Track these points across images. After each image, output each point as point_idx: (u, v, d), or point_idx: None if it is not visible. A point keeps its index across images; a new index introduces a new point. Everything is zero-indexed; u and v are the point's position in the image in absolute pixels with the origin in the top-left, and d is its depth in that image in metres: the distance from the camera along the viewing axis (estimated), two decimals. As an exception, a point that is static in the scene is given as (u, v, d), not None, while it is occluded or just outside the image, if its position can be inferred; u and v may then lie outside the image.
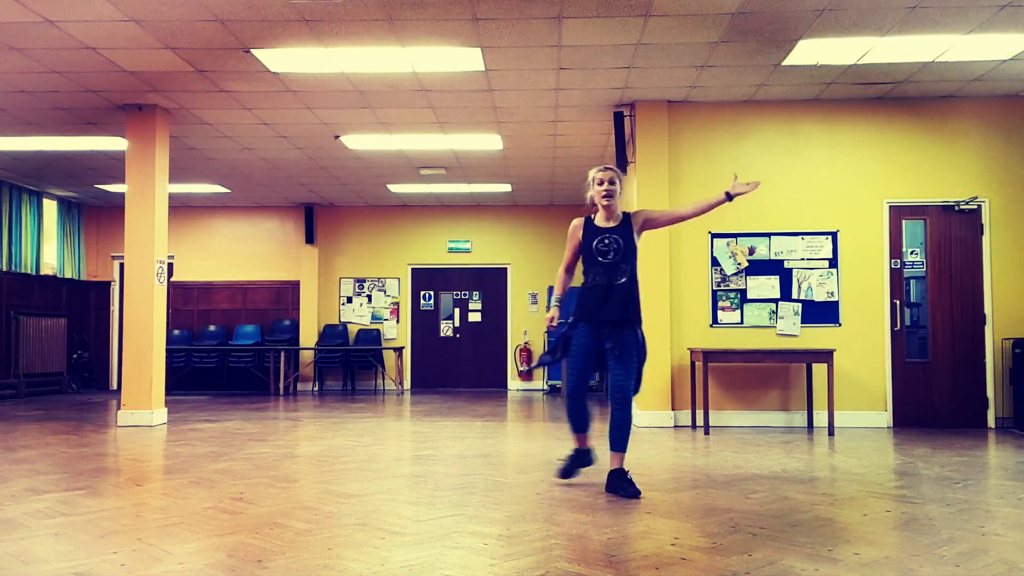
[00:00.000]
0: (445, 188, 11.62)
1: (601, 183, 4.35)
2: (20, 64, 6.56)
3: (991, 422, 7.40)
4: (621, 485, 4.27)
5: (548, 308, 4.61)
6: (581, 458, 4.58)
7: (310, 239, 12.87)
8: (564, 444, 6.22)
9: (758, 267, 7.59)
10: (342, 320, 13.08)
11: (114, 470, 5.16)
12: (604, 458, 4.65)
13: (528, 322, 12.98)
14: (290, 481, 4.70)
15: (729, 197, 4.39)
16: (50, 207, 12.38)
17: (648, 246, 7.55)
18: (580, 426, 4.50)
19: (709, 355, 7.03)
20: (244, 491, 4.40)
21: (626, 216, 4.44)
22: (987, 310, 7.45)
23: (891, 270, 7.56)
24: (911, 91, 7.42)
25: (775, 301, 7.56)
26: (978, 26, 5.88)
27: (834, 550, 3.16)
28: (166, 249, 8.02)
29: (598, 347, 4.35)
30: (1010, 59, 6.56)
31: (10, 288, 11.29)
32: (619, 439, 4.33)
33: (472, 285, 13.24)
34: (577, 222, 4.51)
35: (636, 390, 4.39)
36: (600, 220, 4.44)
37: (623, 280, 4.33)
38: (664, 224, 4.62)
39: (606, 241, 4.35)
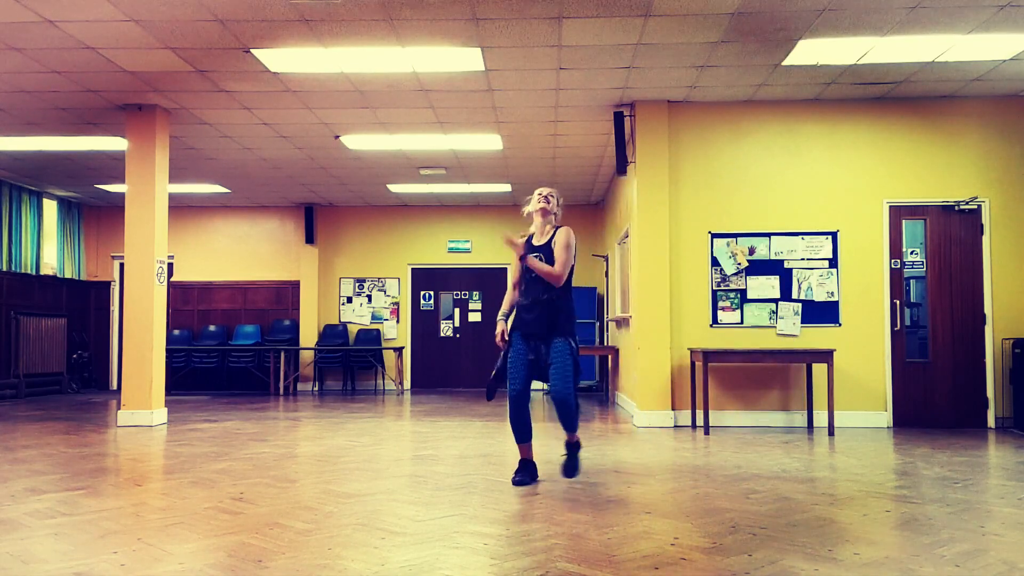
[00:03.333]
0: (445, 188, 11.62)
1: (540, 193, 4.69)
2: (20, 64, 6.56)
3: (991, 422, 7.40)
4: (568, 459, 4.65)
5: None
6: (527, 469, 4.68)
7: (310, 239, 12.87)
8: (564, 444, 6.21)
9: (758, 267, 7.59)
10: (342, 320, 13.08)
11: (114, 470, 5.16)
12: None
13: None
14: (290, 481, 4.70)
15: (522, 259, 4.55)
16: (50, 207, 12.38)
17: (648, 246, 7.56)
18: (521, 436, 4.61)
19: (709, 355, 7.03)
20: (244, 491, 4.40)
21: (555, 235, 4.63)
22: (987, 310, 7.45)
23: (891, 270, 7.56)
24: (911, 91, 7.42)
25: (775, 301, 7.56)
26: (978, 26, 5.88)
27: (834, 550, 3.16)
28: (166, 249, 8.02)
29: (531, 357, 4.52)
30: (1010, 59, 6.56)
31: (10, 288, 11.29)
32: (568, 424, 4.58)
33: (472, 285, 13.25)
34: (521, 240, 4.63)
35: (574, 388, 4.51)
36: (536, 238, 4.69)
37: (545, 296, 4.50)
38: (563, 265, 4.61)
39: (536, 256, 4.56)
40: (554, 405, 4.52)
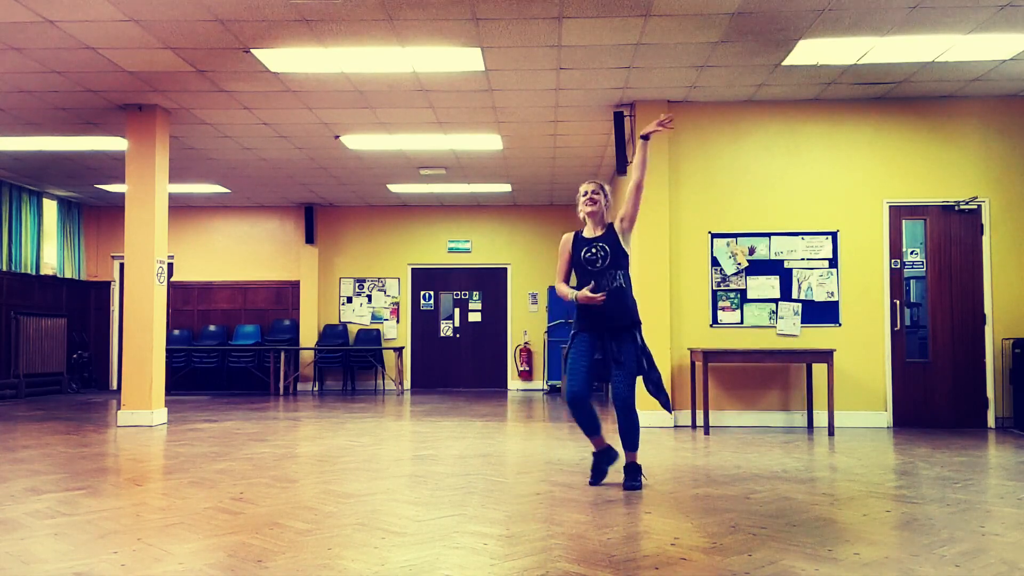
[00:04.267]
0: (445, 188, 11.62)
1: (585, 193, 4.50)
2: (20, 64, 6.56)
3: (991, 422, 7.40)
4: (628, 478, 4.42)
5: (575, 299, 4.55)
6: (605, 456, 4.60)
7: (310, 239, 12.87)
8: (564, 444, 6.22)
9: (758, 267, 7.59)
10: (342, 320, 13.08)
11: (114, 470, 5.16)
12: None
13: (528, 322, 12.98)
14: (290, 481, 4.70)
15: (645, 137, 4.51)
16: (50, 207, 12.38)
17: (648, 246, 7.56)
18: (592, 430, 4.50)
19: (709, 355, 7.03)
20: (244, 491, 4.40)
21: (610, 225, 4.54)
22: (987, 310, 7.45)
23: (891, 270, 7.56)
24: (911, 91, 7.42)
25: (775, 301, 7.56)
26: (978, 26, 5.88)
27: (834, 550, 3.16)
28: (166, 249, 8.02)
29: (597, 355, 4.42)
30: (1010, 59, 6.56)
31: (10, 288, 11.29)
32: (630, 441, 4.43)
33: (472, 285, 13.25)
34: (567, 236, 4.60)
35: (658, 388, 4.41)
36: (587, 231, 4.56)
37: (616, 284, 4.38)
38: (633, 205, 4.50)
39: (593, 250, 4.45)
40: (616, 409, 4.39)
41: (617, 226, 4.49)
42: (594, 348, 4.41)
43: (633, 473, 4.44)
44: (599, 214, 4.51)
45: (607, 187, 4.59)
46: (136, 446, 6.29)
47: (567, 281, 4.61)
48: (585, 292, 4.33)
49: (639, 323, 4.48)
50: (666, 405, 4.48)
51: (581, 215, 4.56)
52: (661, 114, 4.44)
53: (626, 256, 4.46)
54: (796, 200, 7.65)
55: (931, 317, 7.52)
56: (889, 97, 7.59)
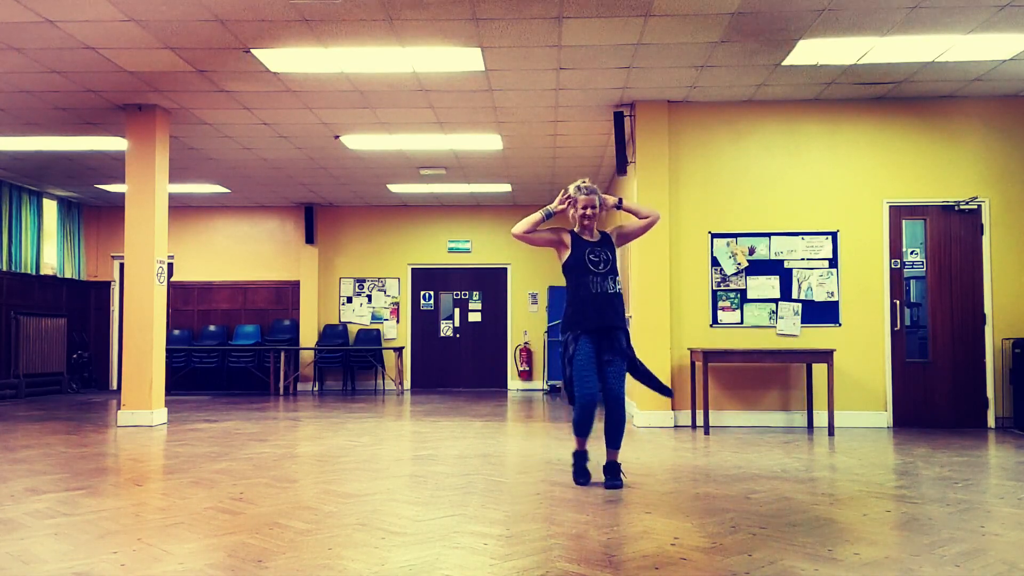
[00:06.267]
0: (445, 188, 11.62)
1: (585, 207, 4.56)
2: (20, 64, 6.56)
3: (991, 422, 7.40)
4: (610, 477, 4.52)
5: (549, 210, 4.62)
6: (585, 457, 4.72)
7: (310, 239, 12.87)
8: (564, 444, 6.22)
9: (758, 267, 7.59)
10: (342, 320, 13.08)
11: (114, 470, 5.16)
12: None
13: (528, 322, 12.98)
14: (290, 481, 4.70)
15: (618, 206, 4.70)
16: (50, 207, 12.38)
17: (648, 246, 7.56)
18: (587, 431, 4.62)
19: (709, 355, 7.03)
20: (244, 491, 4.40)
21: (604, 234, 4.67)
22: (987, 310, 7.45)
23: (891, 270, 7.56)
24: (911, 91, 7.42)
25: (775, 301, 7.56)
26: (978, 26, 5.88)
27: (834, 550, 3.16)
28: (166, 249, 8.02)
29: (598, 356, 4.52)
30: (1010, 59, 6.56)
31: (10, 288, 11.29)
32: (615, 438, 4.57)
33: (472, 285, 13.25)
34: (566, 230, 4.66)
35: (661, 388, 4.71)
36: (584, 235, 4.64)
37: (617, 289, 4.54)
38: (636, 235, 4.81)
39: (597, 251, 4.55)
40: (607, 407, 4.50)
41: (615, 240, 4.67)
42: (595, 349, 4.50)
43: (614, 471, 4.54)
44: (592, 228, 4.64)
45: (601, 198, 4.63)
46: (136, 446, 6.29)
47: (533, 233, 4.60)
48: (557, 201, 4.59)
49: (627, 328, 4.68)
50: (665, 389, 4.72)
51: (573, 220, 4.64)
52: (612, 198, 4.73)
53: (617, 266, 4.66)
54: (796, 200, 7.65)
55: (931, 317, 7.52)
56: (889, 97, 7.59)
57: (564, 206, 4.59)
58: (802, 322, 7.52)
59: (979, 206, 7.52)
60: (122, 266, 12.22)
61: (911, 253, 7.60)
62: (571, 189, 4.61)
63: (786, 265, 7.58)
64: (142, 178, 7.80)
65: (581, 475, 4.65)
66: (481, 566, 2.94)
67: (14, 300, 11.36)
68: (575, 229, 4.64)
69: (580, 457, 4.69)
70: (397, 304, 13.09)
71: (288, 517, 3.75)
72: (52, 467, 5.26)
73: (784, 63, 6.63)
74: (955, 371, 7.46)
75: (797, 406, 7.51)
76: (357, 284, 13.14)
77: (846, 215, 7.59)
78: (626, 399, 9.21)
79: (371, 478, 4.79)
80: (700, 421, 7.43)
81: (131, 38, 6.02)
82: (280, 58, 6.40)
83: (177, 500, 4.16)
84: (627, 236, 4.74)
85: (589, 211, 4.54)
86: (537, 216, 4.59)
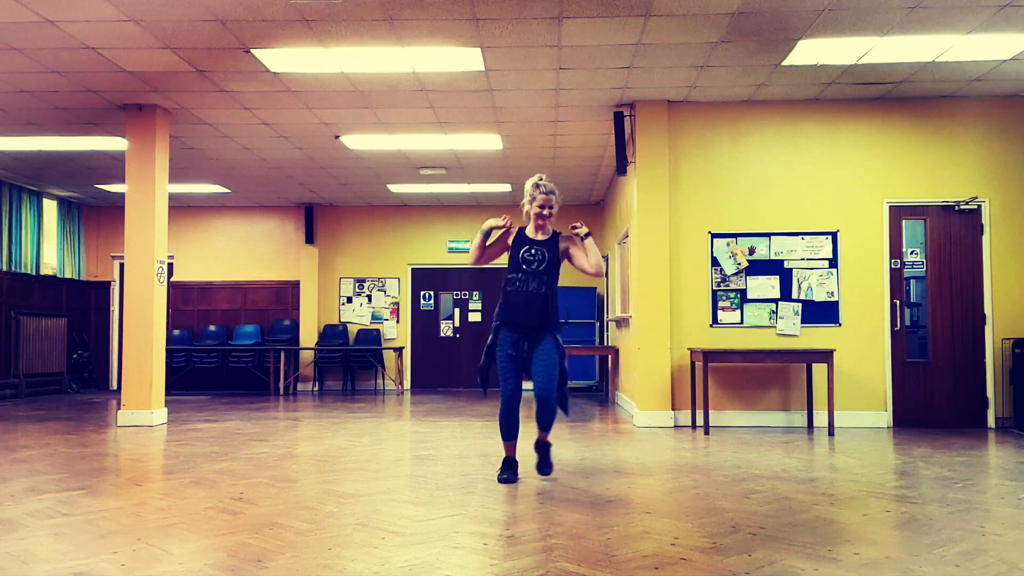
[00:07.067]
0: (445, 188, 11.62)
1: (542, 206, 4.59)
2: (20, 64, 6.56)
3: (991, 422, 7.40)
4: (541, 458, 4.70)
5: (487, 233, 4.62)
6: (514, 466, 4.75)
7: (310, 239, 12.87)
8: (564, 444, 6.22)
9: (758, 267, 7.59)
10: (342, 320, 13.08)
11: (114, 470, 5.16)
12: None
13: (528, 322, 12.96)
14: (290, 481, 4.70)
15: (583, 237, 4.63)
16: (50, 207, 12.38)
17: (648, 246, 7.56)
18: (510, 434, 4.63)
19: (709, 355, 7.03)
20: (244, 491, 4.40)
21: (555, 234, 4.70)
22: (987, 310, 7.45)
23: (891, 270, 7.56)
24: (911, 91, 7.42)
25: (775, 301, 7.56)
26: (978, 26, 5.88)
27: (834, 550, 3.16)
28: (166, 249, 8.02)
29: (520, 352, 4.55)
30: (1010, 59, 6.56)
31: (10, 288, 11.29)
32: (545, 423, 4.64)
33: (472, 285, 13.25)
34: (513, 231, 4.71)
35: (563, 404, 4.63)
36: (531, 231, 4.70)
37: (542, 290, 4.55)
38: (576, 266, 4.70)
39: (533, 251, 4.61)
40: (536, 402, 4.55)
41: (561, 245, 4.65)
42: (514, 345, 4.53)
43: (544, 449, 4.71)
44: (546, 227, 4.68)
45: (557, 193, 4.66)
46: (136, 446, 6.29)
47: (482, 251, 4.71)
48: (493, 221, 4.60)
49: (558, 329, 4.62)
50: (564, 406, 4.65)
51: (527, 217, 4.67)
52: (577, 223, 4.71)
53: (558, 267, 4.64)
54: (796, 200, 7.65)
55: (931, 317, 7.52)
56: (889, 97, 7.59)
57: (504, 224, 4.60)
58: (802, 322, 7.52)
59: (979, 206, 7.52)
60: (122, 266, 12.23)
61: (911, 253, 7.60)
62: (528, 185, 4.65)
63: (786, 265, 7.58)
64: (142, 178, 7.80)
65: (505, 471, 4.66)
66: (481, 566, 2.94)
67: (14, 300, 11.36)
68: (528, 226, 4.69)
69: (506, 463, 4.70)
70: (397, 304, 13.10)
71: (288, 517, 3.75)
72: (52, 467, 5.26)
73: (784, 63, 6.63)
74: (955, 371, 7.46)
75: (797, 406, 7.51)
76: (357, 284, 13.14)
77: (846, 215, 7.59)
78: (625, 398, 9.23)
79: (371, 478, 4.79)
80: (700, 421, 7.43)
81: (131, 38, 6.02)
82: (280, 58, 6.40)
83: (177, 500, 4.16)
84: (570, 259, 4.67)
85: (546, 211, 4.58)
86: (477, 239, 4.65)
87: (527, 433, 5.20)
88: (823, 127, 7.69)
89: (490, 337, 4.64)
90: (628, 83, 7.10)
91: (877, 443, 6.38)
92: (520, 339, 4.53)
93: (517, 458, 4.80)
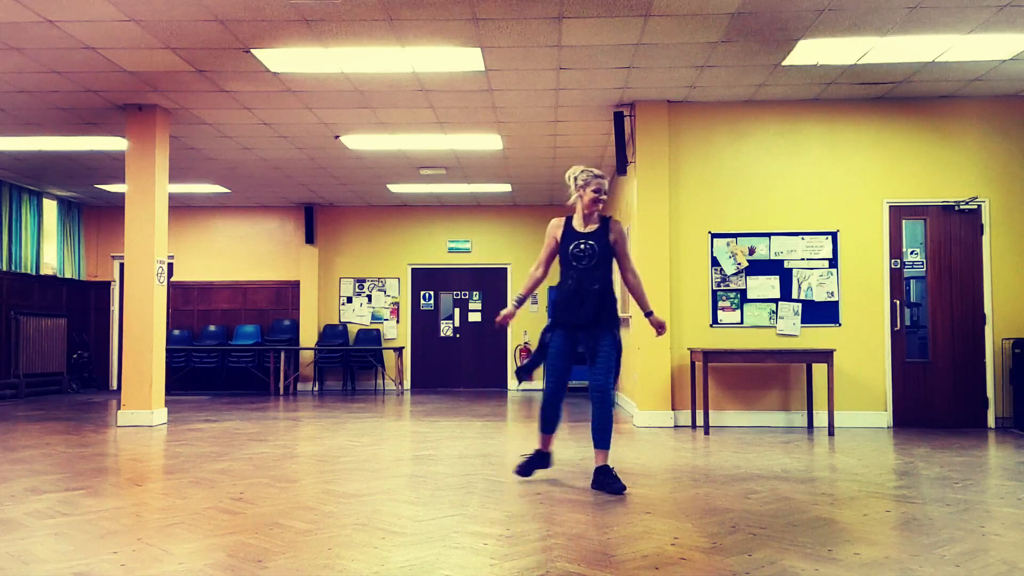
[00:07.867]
0: (445, 188, 11.62)
1: (597, 190, 4.40)
2: (20, 64, 6.56)
3: (991, 422, 7.40)
4: (607, 482, 4.36)
5: (515, 305, 4.60)
6: (542, 460, 4.69)
7: (310, 239, 12.87)
8: (565, 444, 6.22)
9: (758, 267, 7.59)
10: (342, 320, 13.08)
11: (114, 470, 5.16)
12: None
13: (528, 322, 12.98)
14: (290, 481, 4.70)
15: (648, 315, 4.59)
16: (50, 207, 12.38)
17: (648, 246, 7.56)
18: (549, 428, 4.58)
19: (709, 355, 7.03)
20: (244, 491, 4.40)
21: (604, 222, 4.48)
22: (987, 310, 7.45)
23: (891, 270, 7.56)
24: (911, 91, 7.42)
25: (775, 301, 7.56)
26: (978, 26, 5.88)
27: (834, 550, 3.16)
28: (166, 249, 8.02)
29: (574, 350, 4.47)
30: (1010, 59, 6.56)
31: (10, 288, 11.29)
32: (603, 438, 4.43)
33: (472, 285, 13.25)
34: (556, 222, 4.58)
35: (614, 384, 4.46)
36: (578, 223, 4.50)
37: (596, 286, 4.39)
38: (619, 264, 4.55)
39: (582, 246, 4.42)
40: (593, 401, 4.38)
41: (612, 231, 4.45)
42: (569, 342, 4.45)
43: (607, 475, 4.37)
44: (597, 214, 4.50)
45: (606, 176, 4.50)
46: (136, 446, 6.29)
47: (546, 268, 4.61)
48: (507, 311, 4.56)
49: (616, 324, 4.47)
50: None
51: (580, 206, 4.46)
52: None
53: (610, 258, 4.46)
54: (796, 200, 7.65)
55: (931, 317, 7.52)
56: (889, 97, 7.59)
57: (527, 293, 4.57)
58: (802, 322, 7.52)
59: (979, 206, 7.52)
60: (122, 266, 12.23)
61: (911, 253, 7.60)
62: (576, 172, 4.46)
63: (786, 265, 7.58)
64: (142, 178, 7.81)
65: (524, 469, 4.62)
66: (481, 566, 2.94)
67: (14, 300, 11.36)
68: (583, 213, 4.46)
69: (539, 456, 4.65)
70: (397, 304, 13.10)
71: (288, 517, 3.75)
72: (52, 467, 5.26)
73: (784, 63, 6.63)
74: (955, 371, 7.46)
75: (797, 406, 7.51)
76: (357, 284, 13.14)
77: (846, 215, 7.59)
78: (625, 398, 9.24)
79: (371, 478, 4.79)
80: (700, 421, 7.43)
81: (131, 38, 6.02)
82: (280, 58, 6.40)
83: (177, 500, 4.16)
84: (616, 254, 4.49)
85: (602, 195, 4.41)
86: (511, 308, 4.60)
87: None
88: (823, 127, 7.69)
89: (548, 335, 4.51)
90: (628, 83, 7.10)
91: (877, 443, 6.38)
92: (575, 338, 4.43)
93: (550, 450, 4.67)
